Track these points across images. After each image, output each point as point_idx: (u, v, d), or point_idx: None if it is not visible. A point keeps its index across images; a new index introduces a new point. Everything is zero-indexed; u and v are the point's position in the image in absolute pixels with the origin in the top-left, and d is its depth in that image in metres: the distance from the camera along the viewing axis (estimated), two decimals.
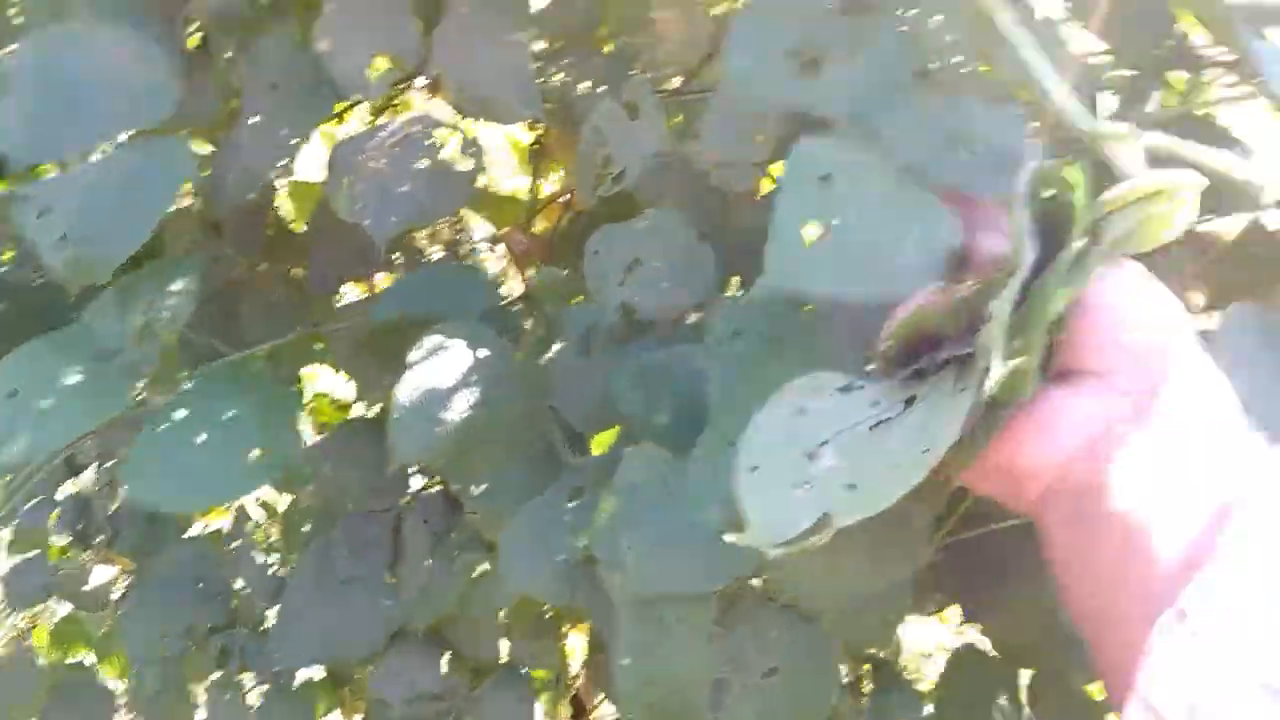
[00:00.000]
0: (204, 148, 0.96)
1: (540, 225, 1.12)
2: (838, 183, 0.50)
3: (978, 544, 0.80)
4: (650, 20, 0.82)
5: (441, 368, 0.75)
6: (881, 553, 0.64)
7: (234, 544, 1.12)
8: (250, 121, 0.84)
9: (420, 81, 0.95)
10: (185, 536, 1.20)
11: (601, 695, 1.21)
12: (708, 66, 0.87)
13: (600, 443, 0.94)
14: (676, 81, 0.89)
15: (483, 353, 0.77)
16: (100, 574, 1.33)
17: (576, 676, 1.36)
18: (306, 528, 1.14)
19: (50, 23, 0.81)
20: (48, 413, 0.69)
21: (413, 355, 0.74)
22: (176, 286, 0.75)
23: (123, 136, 0.76)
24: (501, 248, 1.09)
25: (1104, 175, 0.46)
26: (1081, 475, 0.44)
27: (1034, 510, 0.47)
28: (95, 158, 0.74)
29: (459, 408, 0.75)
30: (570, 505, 0.79)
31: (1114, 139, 0.45)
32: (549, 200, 1.10)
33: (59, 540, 1.21)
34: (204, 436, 0.76)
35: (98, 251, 0.67)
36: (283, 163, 0.83)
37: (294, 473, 0.78)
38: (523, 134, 1.31)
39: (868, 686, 0.88)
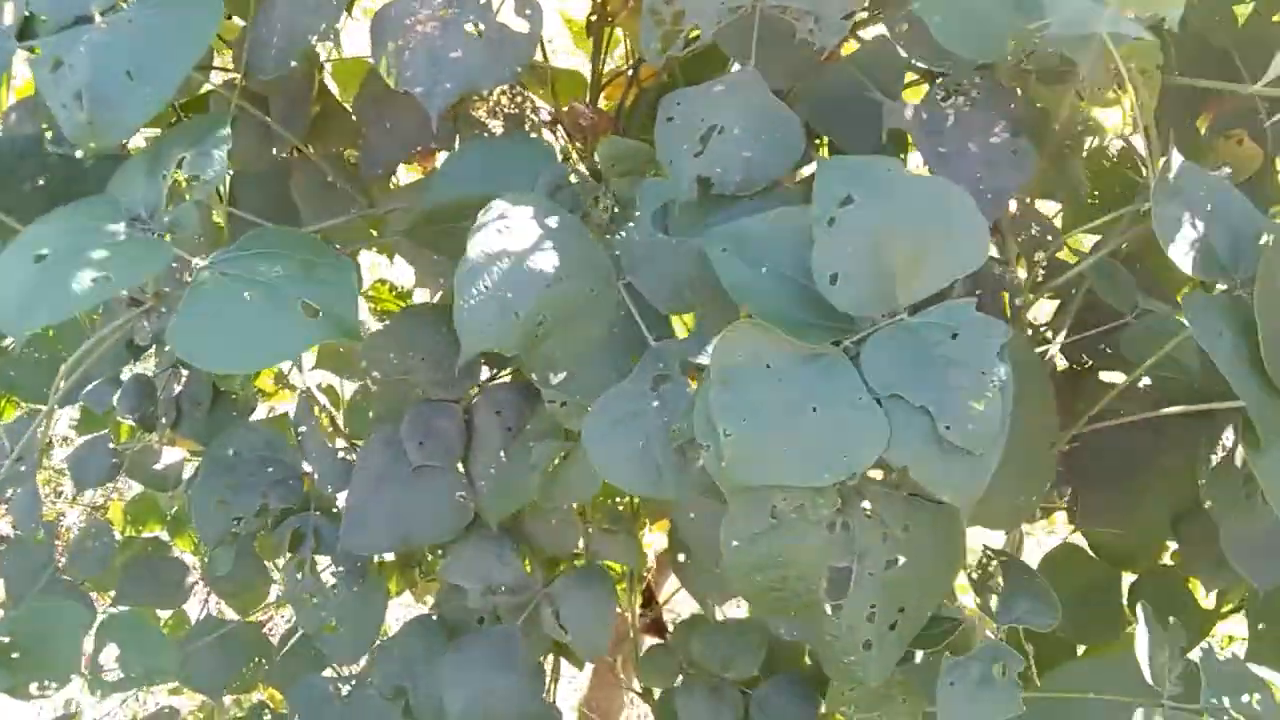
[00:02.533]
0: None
1: (604, 104, 0.98)
2: None
3: (1099, 443, 0.70)
4: None
5: (509, 243, 0.64)
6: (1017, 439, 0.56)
7: (300, 429, 1.03)
8: None
9: None
10: (250, 420, 1.11)
11: (677, 587, 1.12)
12: None
13: (684, 325, 0.82)
14: None
15: (553, 223, 0.65)
16: (170, 455, 1.26)
17: (650, 568, 1.29)
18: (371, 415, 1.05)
19: None
20: (80, 272, 0.59)
21: (477, 227, 0.62)
22: (209, 145, 0.63)
23: None
24: (563, 131, 0.95)
25: None
26: None
27: None
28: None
29: (531, 289, 0.64)
30: (654, 391, 0.68)
31: None
32: (613, 76, 0.96)
33: (128, 421, 1.13)
34: (249, 294, 0.65)
35: (113, 114, 0.56)
36: (324, 25, 0.70)
37: (352, 333, 0.66)
38: (577, 11, 1.16)
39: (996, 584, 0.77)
